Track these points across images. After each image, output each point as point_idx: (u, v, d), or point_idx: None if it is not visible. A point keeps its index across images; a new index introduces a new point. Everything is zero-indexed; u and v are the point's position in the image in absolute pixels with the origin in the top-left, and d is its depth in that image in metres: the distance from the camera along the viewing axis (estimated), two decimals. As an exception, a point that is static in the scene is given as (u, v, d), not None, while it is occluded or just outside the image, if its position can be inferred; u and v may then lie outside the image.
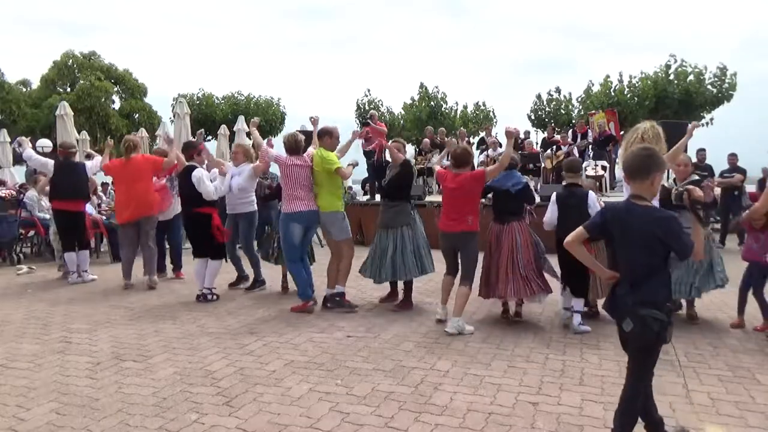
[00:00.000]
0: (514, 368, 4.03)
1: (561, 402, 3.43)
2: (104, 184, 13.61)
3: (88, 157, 8.24)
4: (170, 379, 3.85)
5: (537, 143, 15.92)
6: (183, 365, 4.12)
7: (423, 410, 3.31)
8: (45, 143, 13.40)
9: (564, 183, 5.45)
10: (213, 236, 6.29)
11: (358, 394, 3.56)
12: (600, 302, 5.46)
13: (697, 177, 5.08)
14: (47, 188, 7.67)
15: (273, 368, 4.04)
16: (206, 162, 6.80)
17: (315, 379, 3.81)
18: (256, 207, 6.93)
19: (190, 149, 6.67)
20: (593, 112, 17.40)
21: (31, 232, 9.85)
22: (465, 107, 27.48)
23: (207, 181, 6.27)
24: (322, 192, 5.77)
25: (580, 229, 2.81)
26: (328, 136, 5.91)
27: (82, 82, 27.09)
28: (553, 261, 5.20)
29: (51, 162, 7.48)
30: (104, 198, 12.66)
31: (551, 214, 5.17)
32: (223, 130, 17.57)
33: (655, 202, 2.88)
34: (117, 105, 28.86)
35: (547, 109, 25.29)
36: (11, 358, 4.33)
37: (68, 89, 27.67)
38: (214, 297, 6.30)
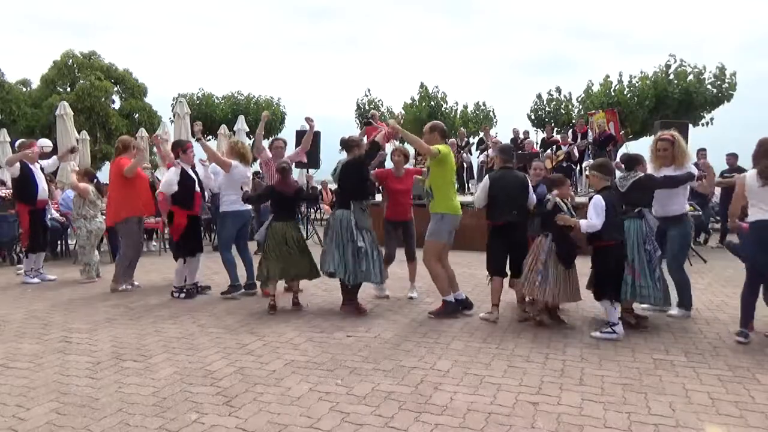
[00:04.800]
0: (514, 368, 4.03)
1: (561, 402, 3.43)
2: (105, 185, 13.57)
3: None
4: (170, 379, 3.85)
5: (537, 143, 15.93)
6: (183, 365, 4.12)
7: (423, 410, 3.31)
8: (45, 143, 13.37)
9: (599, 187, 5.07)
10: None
11: (358, 394, 3.56)
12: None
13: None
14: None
15: (273, 368, 4.04)
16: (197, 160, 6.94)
17: (315, 379, 3.81)
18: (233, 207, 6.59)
19: (177, 147, 6.73)
20: (593, 112, 17.39)
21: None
22: (465, 107, 27.51)
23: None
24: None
25: None
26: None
27: (82, 82, 27.07)
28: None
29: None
30: (104, 198, 12.66)
31: (600, 219, 4.71)
32: (223, 130, 17.58)
33: None
34: (117, 105, 28.85)
35: (547, 109, 25.27)
36: (11, 358, 4.33)
37: (68, 89, 27.64)
38: (181, 295, 6.49)
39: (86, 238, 7.70)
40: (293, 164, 6.90)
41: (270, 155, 6.80)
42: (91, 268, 7.70)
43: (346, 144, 5.77)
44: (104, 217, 7.71)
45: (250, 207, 6.73)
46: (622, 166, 5.64)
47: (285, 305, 5.93)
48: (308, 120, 7.17)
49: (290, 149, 7.49)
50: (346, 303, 5.76)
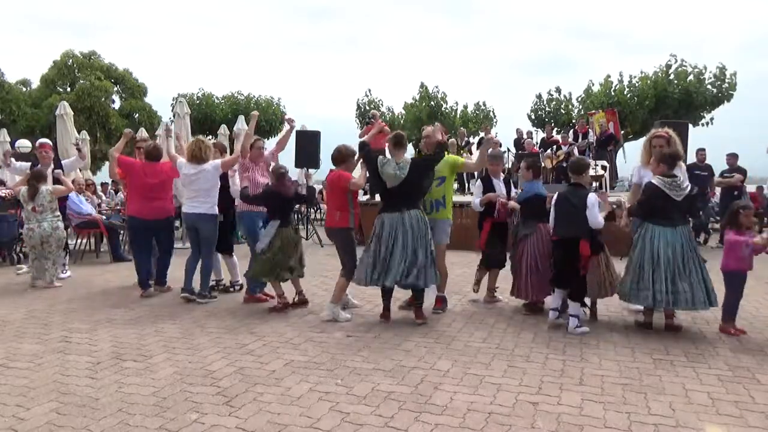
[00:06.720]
0: (514, 368, 4.03)
1: (561, 402, 3.43)
2: (104, 184, 13.59)
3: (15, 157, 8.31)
4: (170, 379, 3.85)
5: (537, 143, 15.93)
6: (183, 365, 4.12)
7: (423, 410, 3.31)
8: (23, 143, 13.37)
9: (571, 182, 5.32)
10: None
11: (358, 393, 3.56)
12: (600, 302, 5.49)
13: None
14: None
15: (273, 368, 4.04)
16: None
17: (315, 379, 3.81)
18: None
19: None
20: (593, 111, 17.39)
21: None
22: (465, 107, 27.54)
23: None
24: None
25: None
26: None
27: (82, 81, 27.06)
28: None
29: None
30: (104, 198, 12.67)
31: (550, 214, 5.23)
32: (223, 130, 17.59)
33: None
34: (117, 105, 28.83)
35: (547, 108, 25.29)
36: (11, 357, 4.33)
37: (68, 89, 27.63)
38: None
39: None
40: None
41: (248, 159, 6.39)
42: (29, 272, 7.33)
43: (402, 140, 5.40)
44: (36, 223, 7.02)
45: (201, 210, 6.13)
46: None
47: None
48: (289, 120, 6.81)
49: (289, 151, 7.43)
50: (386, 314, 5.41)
